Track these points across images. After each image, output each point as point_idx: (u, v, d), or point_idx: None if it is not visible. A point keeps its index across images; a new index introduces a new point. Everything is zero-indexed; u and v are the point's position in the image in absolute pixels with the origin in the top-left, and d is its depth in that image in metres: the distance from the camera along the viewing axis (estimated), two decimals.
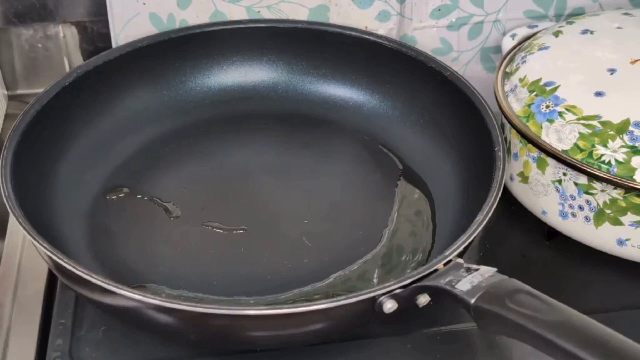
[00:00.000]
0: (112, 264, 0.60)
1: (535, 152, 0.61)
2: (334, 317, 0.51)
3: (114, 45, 0.74)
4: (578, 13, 0.75)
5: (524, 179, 0.63)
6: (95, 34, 0.77)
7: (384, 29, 0.75)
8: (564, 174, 0.60)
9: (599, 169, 0.57)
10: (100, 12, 0.74)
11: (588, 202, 0.59)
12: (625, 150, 0.57)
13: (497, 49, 0.76)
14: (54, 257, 0.52)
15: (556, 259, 0.64)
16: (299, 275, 0.59)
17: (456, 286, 0.50)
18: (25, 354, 0.56)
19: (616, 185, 0.57)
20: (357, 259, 0.61)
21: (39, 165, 0.63)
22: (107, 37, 0.74)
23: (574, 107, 0.60)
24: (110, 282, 0.50)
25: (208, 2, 0.73)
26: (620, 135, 0.57)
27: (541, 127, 0.60)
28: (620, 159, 0.57)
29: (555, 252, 0.64)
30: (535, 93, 0.62)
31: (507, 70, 0.67)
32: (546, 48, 0.66)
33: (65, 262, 0.51)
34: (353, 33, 0.73)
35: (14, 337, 0.58)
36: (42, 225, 0.56)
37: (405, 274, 0.51)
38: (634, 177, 0.57)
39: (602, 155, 0.57)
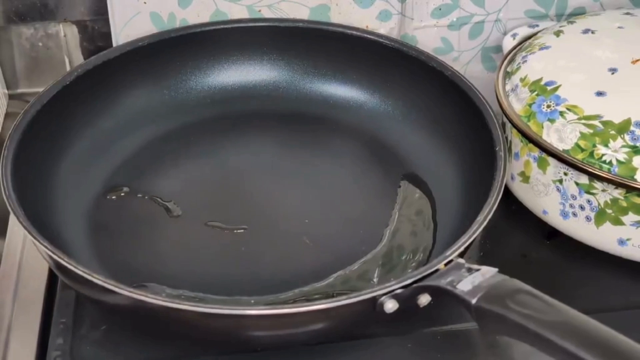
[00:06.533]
0: (112, 263, 0.60)
1: (536, 152, 0.61)
2: (334, 317, 0.51)
3: (114, 44, 0.74)
4: (579, 13, 0.75)
5: (525, 178, 0.63)
6: (96, 33, 0.77)
7: (385, 29, 0.75)
8: (565, 174, 0.60)
9: (600, 168, 0.57)
10: (101, 11, 0.74)
11: (589, 201, 0.59)
12: (627, 150, 0.57)
13: (498, 48, 0.76)
14: (55, 257, 0.52)
15: (557, 258, 0.64)
16: (299, 275, 0.59)
17: (457, 286, 0.49)
18: (26, 353, 0.56)
19: (617, 185, 0.57)
20: (357, 258, 0.61)
21: (40, 164, 0.63)
22: (107, 36, 0.74)
23: (575, 106, 0.60)
24: (110, 281, 0.50)
25: (209, 1, 0.73)
26: (622, 135, 0.57)
27: (542, 127, 0.60)
28: (622, 159, 0.57)
29: (556, 252, 0.64)
30: (536, 93, 0.62)
31: (508, 69, 0.67)
32: (547, 48, 0.66)
33: (65, 261, 0.51)
34: (354, 32, 0.73)
35: (15, 336, 0.58)
36: (42, 224, 0.56)
37: (406, 274, 0.51)
38: (635, 177, 0.57)
39: (603, 155, 0.57)
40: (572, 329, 0.45)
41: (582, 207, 0.60)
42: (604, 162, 0.57)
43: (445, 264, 0.51)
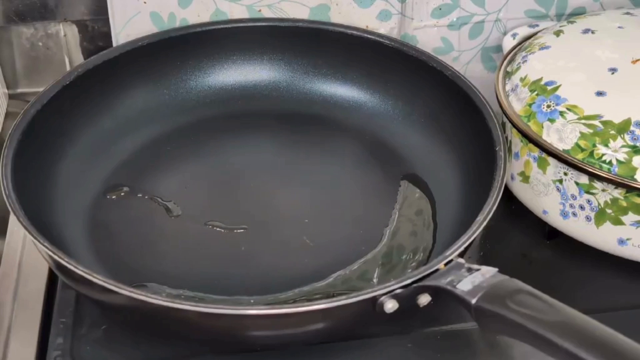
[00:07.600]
0: (112, 262, 0.60)
1: (536, 152, 0.61)
2: (334, 317, 0.51)
3: (114, 44, 0.74)
4: (579, 12, 0.75)
5: (525, 178, 0.63)
6: (96, 32, 0.77)
7: (385, 28, 0.75)
8: (565, 174, 0.60)
9: (600, 168, 0.57)
10: (101, 10, 0.74)
11: (589, 201, 0.59)
12: (627, 149, 0.57)
13: (498, 48, 0.76)
14: (55, 256, 0.52)
15: (557, 258, 0.64)
16: (299, 275, 0.59)
17: (457, 286, 0.49)
18: (26, 352, 0.56)
19: (617, 184, 0.57)
20: (357, 258, 0.61)
21: (40, 164, 0.63)
22: (107, 36, 0.74)
23: (575, 106, 0.60)
24: (110, 281, 0.50)
25: (209, 1, 0.73)
26: (622, 135, 0.57)
27: (542, 127, 0.60)
28: (622, 159, 0.57)
29: (556, 252, 0.64)
30: (536, 92, 0.62)
31: (508, 69, 0.67)
32: (547, 47, 0.66)
33: (65, 261, 0.51)
34: (354, 32, 0.73)
35: (15, 335, 0.58)
36: (42, 224, 0.56)
37: (406, 274, 0.51)
38: (635, 176, 0.57)
39: (603, 154, 0.57)
40: (572, 329, 0.45)
41: (582, 207, 0.60)
42: (604, 162, 0.57)
43: (445, 264, 0.52)
